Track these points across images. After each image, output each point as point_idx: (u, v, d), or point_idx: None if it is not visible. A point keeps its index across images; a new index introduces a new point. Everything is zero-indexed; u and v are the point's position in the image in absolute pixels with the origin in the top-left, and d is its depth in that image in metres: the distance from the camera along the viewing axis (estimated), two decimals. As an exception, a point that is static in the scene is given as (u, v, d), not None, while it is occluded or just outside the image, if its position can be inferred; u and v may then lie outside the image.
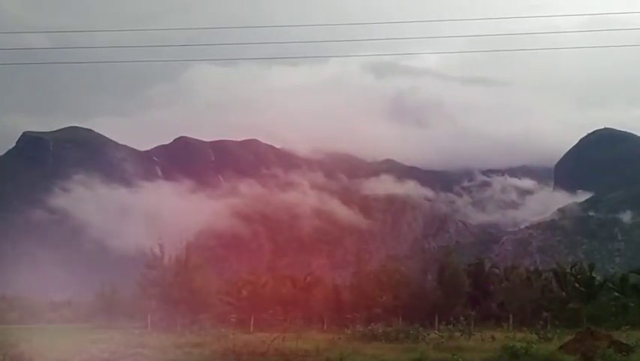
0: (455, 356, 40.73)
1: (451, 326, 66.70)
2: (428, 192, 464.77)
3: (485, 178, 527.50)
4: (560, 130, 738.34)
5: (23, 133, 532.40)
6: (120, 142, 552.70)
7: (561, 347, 45.77)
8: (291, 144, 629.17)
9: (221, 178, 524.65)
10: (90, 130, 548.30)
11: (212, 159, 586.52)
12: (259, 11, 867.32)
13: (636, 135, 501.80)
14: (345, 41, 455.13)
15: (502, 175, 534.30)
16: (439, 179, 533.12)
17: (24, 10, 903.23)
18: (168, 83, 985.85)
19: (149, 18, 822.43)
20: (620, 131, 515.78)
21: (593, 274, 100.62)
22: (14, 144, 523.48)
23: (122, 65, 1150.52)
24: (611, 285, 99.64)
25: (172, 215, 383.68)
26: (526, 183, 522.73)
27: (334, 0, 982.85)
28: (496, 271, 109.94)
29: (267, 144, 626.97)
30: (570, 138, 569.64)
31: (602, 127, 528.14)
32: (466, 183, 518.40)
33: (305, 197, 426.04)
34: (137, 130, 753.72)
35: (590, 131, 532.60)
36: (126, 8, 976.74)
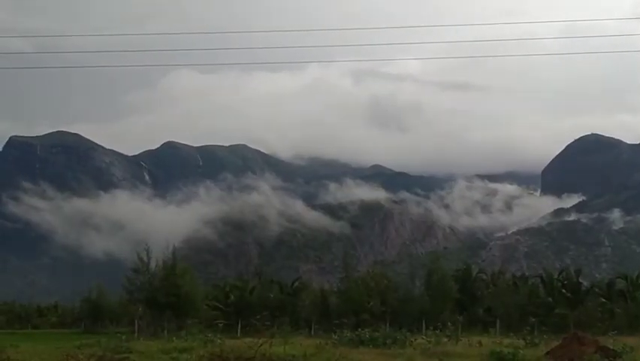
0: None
1: (438, 332, 66.66)
2: (415, 198, 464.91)
3: (472, 184, 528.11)
4: (545, 136, 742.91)
5: (10, 138, 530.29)
6: (107, 146, 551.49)
7: (547, 353, 45.79)
8: (275, 149, 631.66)
9: (209, 182, 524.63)
10: (77, 134, 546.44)
11: (200, 163, 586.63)
12: (237, 18, 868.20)
13: (622, 141, 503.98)
14: (324, 47, 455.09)
15: (489, 181, 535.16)
16: (426, 184, 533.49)
17: (7, 14, 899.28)
18: (150, 88, 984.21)
19: (133, 22, 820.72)
20: (607, 137, 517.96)
21: (580, 280, 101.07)
22: (0, 149, 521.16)
23: (105, 70, 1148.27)
24: (597, 290, 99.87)
25: (158, 220, 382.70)
26: (514, 188, 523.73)
27: (314, 7, 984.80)
28: (484, 276, 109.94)
29: (255, 149, 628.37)
30: (556, 144, 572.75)
31: (589, 133, 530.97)
32: (452, 189, 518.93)
33: (286, 202, 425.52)
34: (122, 134, 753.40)
35: (576, 138, 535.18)
36: (111, 13, 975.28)
